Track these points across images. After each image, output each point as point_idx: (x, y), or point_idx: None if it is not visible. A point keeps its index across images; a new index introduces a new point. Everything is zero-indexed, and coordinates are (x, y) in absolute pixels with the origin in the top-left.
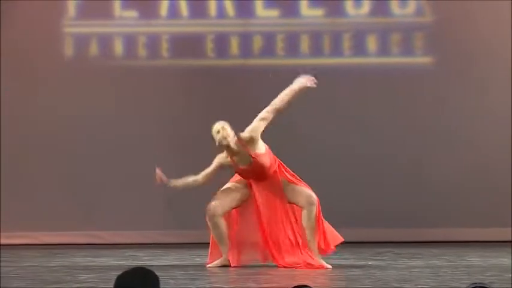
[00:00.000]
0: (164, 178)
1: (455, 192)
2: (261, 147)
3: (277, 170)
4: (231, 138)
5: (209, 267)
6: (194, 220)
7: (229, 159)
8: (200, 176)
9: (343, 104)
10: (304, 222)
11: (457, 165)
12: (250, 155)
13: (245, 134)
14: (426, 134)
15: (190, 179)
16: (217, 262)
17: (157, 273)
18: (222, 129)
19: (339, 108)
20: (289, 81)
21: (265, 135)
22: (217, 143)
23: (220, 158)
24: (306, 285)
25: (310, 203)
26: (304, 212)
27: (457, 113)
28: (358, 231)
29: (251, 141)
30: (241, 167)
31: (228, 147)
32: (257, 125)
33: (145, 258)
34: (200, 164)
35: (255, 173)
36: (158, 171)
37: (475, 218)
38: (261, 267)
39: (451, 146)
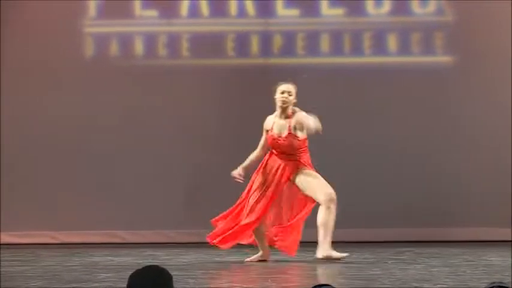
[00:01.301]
0: (239, 175)
1: (475, 191)
2: (302, 135)
3: (303, 161)
4: (289, 104)
5: (247, 261)
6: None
7: (271, 122)
8: (258, 149)
9: (363, 103)
10: (321, 219)
11: (477, 164)
12: (289, 130)
13: (302, 115)
14: (447, 132)
15: (252, 156)
16: (254, 257)
17: (176, 273)
18: (287, 93)
19: (358, 107)
20: (309, 81)
21: None
22: (277, 102)
23: (266, 124)
24: (327, 285)
25: (331, 200)
26: (323, 209)
27: (476, 112)
28: (378, 231)
29: (300, 123)
30: (276, 133)
31: (283, 110)
32: (308, 119)
33: (164, 257)
34: (219, 162)
35: (281, 146)
36: (235, 172)
37: (495, 218)
38: (282, 266)
39: (471, 144)
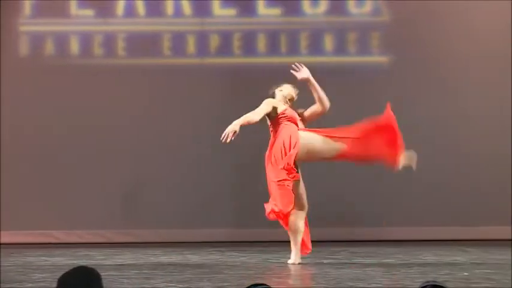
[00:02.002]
0: (235, 133)
1: (412, 191)
2: None
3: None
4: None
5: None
6: (148, 219)
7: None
8: (258, 118)
9: (300, 102)
10: (301, 224)
11: (419, 164)
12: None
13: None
14: None
15: (250, 120)
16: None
17: (111, 273)
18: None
19: (296, 106)
20: (246, 81)
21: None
22: (288, 96)
23: (277, 103)
24: (263, 284)
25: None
26: (303, 214)
27: (412, 112)
28: (314, 230)
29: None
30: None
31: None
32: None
33: (99, 257)
34: (155, 162)
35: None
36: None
37: (430, 217)
38: (218, 265)
39: (408, 144)
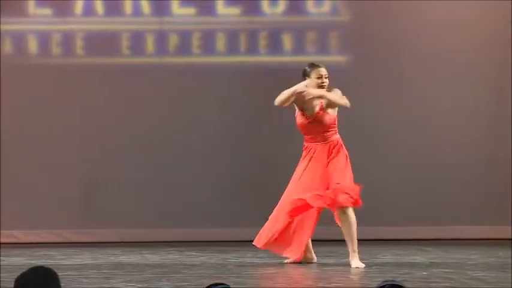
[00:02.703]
0: None
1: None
2: (333, 112)
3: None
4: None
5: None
6: (108, 219)
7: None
8: None
9: (260, 102)
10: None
11: (380, 163)
12: (321, 106)
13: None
14: (346, 132)
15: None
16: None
17: (70, 273)
18: (326, 78)
19: (255, 105)
20: (205, 80)
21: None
22: (317, 82)
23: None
24: (222, 284)
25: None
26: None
27: (371, 111)
28: None
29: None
30: (305, 114)
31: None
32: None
33: (59, 257)
34: (114, 161)
35: (311, 126)
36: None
37: (388, 217)
38: (177, 265)
39: (366, 143)
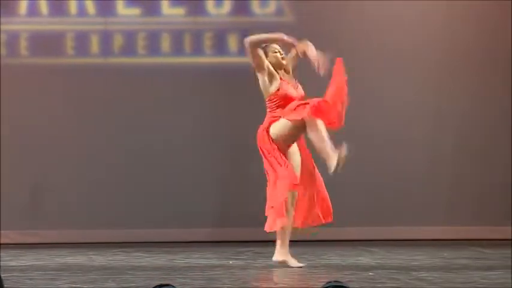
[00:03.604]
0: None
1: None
2: None
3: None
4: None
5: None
6: (53, 220)
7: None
8: None
9: (205, 103)
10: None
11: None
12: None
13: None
14: None
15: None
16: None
17: (15, 274)
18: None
19: (198, 107)
20: (150, 80)
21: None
22: (277, 57)
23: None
24: (168, 284)
25: None
26: None
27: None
28: (220, 230)
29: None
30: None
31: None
32: None
33: (5, 258)
34: (65, 161)
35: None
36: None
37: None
38: (124, 265)
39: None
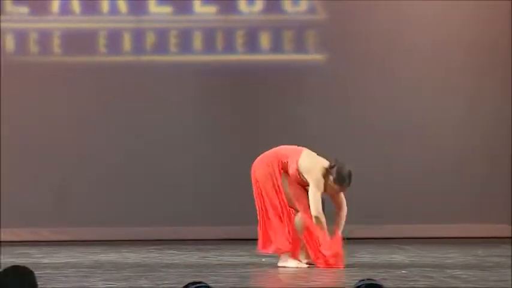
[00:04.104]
0: None
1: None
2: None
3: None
4: None
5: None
6: (87, 218)
7: None
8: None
9: (238, 100)
10: None
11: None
12: None
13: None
14: (326, 132)
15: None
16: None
17: (49, 271)
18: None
19: (231, 104)
20: (182, 78)
21: None
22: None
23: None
24: (200, 282)
25: None
26: None
27: (348, 109)
28: (252, 228)
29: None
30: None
31: None
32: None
33: (38, 255)
34: (90, 159)
35: None
36: None
37: (362, 216)
38: (157, 263)
39: (346, 141)
